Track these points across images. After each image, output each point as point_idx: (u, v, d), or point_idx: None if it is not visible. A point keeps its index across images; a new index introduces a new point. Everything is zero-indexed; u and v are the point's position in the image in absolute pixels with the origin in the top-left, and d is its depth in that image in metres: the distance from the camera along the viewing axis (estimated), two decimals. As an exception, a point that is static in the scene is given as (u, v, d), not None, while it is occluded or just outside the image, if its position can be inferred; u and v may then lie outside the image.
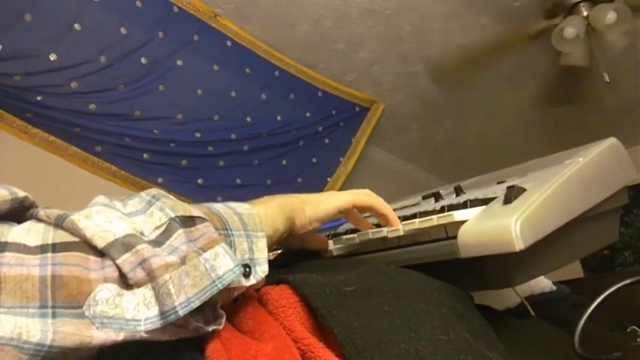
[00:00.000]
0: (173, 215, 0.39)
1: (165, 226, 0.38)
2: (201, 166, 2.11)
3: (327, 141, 2.57)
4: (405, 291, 0.44)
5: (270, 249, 0.52)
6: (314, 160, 2.51)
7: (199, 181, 2.10)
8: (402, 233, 0.55)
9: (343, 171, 2.63)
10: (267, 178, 2.30)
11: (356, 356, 0.35)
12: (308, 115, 2.45)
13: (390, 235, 0.56)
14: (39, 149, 1.76)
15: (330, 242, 0.64)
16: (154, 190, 0.42)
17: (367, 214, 0.66)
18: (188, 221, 0.39)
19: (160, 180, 1.99)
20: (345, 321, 0.38)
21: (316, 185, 2.48)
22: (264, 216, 0.49)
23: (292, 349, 0.37)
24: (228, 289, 0.39)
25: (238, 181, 2.21)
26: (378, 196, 0.61)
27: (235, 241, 0.43)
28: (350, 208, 0.60)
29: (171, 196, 0.42)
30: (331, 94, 2.52)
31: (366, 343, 0.36)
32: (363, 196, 0.60)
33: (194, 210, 0.41)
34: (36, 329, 0.29)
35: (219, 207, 0.46)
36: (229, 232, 0.43)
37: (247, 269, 0.42)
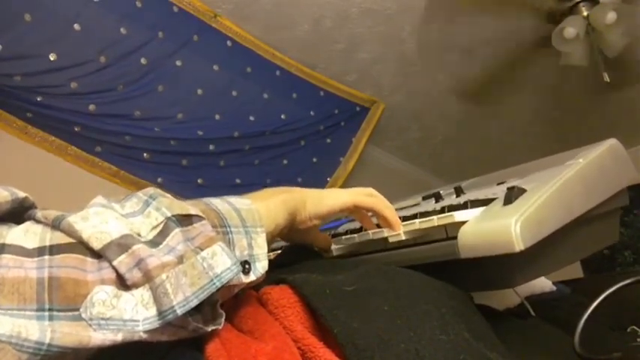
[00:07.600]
0: (169, 214, 0.39)
1: (161, 225, 0.38)
2: (201, 165, 2.10)
3: (328, 140, 2.56)
4: (405, 291, 0.44)
5: (271, 243, 0.52)
6: (314, 159, 2.50)
7: (199, 180, 2.10)
8: (403, 238, 0.55)
9: (343, 171, 2.62)
10: (267, 177, 2.29)
11: (356, 356, 0.35)
12: (312, 113, 2.45)
13: (391, 240, 0.56)
14: (39, 149, 1.76)
15: (331, 242, 0.64)
16: (151, 190, 0.42)
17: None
18: (185, 220, 0.39)
19: (159, 180, 1.99)
20: (345, 321, 0.38)
21: (316, 185, 2.47)
22: (266, 211, 0.49)
23: (292, 348, 0.37)
24: (228, 287, 0.39)
25: (238, 180, 2.20)
26: (381, 195, 0.61)
27: (234, 237, 0.43)
28: (352, 208, 0.60)
29: (168, 195, 0.42)
30: (333, 93, 2.51)
31: (366, 343, 0.36)
32: (365, 196, 0.60)
33: (191, 208, 0.41)
34: (34, 329, 0.29)
35: (218, 203, 0.45)
36: (227, 229, 0.43)
37: (247, 266, 0.42)
